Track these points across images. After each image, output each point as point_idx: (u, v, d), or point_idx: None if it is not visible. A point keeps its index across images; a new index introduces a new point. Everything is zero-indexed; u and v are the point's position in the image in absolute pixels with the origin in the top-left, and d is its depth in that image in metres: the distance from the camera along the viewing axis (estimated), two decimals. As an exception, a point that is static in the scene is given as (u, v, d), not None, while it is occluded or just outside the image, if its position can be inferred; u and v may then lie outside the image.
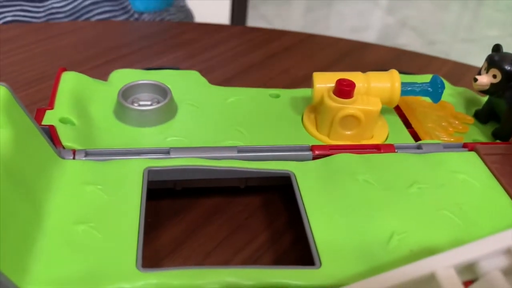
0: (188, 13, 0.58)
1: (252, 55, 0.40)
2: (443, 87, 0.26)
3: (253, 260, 0.21)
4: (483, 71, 0.27)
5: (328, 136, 0.25)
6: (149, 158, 0.22)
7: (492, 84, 0.26)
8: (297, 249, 0.22)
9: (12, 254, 0.16)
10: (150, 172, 0.21)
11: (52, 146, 0.21)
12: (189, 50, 0.40)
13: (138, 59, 0.38)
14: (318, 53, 0.41)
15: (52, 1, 0.45)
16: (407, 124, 0.28)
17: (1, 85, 0.19)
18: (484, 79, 0.26)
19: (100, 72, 0.34)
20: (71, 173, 0.20)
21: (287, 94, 0.29)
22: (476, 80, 0.27)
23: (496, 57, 0.26)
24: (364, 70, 0.27)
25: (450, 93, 0.31)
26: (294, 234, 0.23)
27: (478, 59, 0.31)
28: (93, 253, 0.17)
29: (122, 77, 0.29)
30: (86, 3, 0.47)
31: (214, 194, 0.25)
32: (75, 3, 0.46)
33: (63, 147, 0.22)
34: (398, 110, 0.29)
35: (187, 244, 0.22)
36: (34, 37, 0.39)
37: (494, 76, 0.26)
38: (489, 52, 0.27)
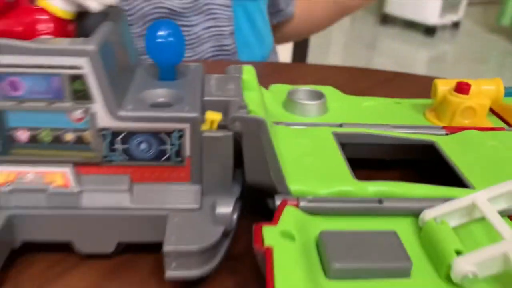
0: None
1: (355, 86, 0.49)
2: (535, 90, 0.35)
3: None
4: None
5: (450, 125, 0.34)
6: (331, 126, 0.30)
7: None
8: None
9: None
10: (336, 134, 0.30)
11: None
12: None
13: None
14: (407, 87, 0.50)
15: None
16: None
17: (250, 66, 0.28)
18: None
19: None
20: (282, 133, 0.29)
21: (406, 102, 0.38)
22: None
23: None
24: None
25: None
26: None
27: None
28: (323, 171, 0.25)
29: (277, 88, 0.38)
30: (206, 56, 0.57)
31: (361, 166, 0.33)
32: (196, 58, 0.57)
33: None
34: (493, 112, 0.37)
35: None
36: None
37: None
38: None
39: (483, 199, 0.23)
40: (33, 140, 0.22)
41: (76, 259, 0.24)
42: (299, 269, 0.20)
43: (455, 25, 3.00)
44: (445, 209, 0.23)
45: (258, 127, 0.22)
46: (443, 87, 0.34)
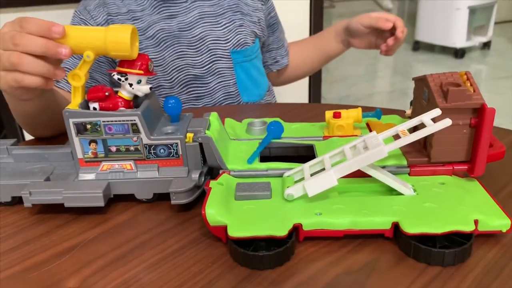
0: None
1: (301, 117, 0.77)
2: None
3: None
4: None
5: (330, 135, 0.61)
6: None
7: None
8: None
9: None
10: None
11: (228, 136, 0.59)
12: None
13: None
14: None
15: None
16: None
17: (215, 112, 0.58)
18: None
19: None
20: (233, 144, 0.59)
21: (317, 124, 0.66)
22: None
23: None
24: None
25: None
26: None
27: None
28: (245, 158, 0.55)
29: (245, 121, 0.68)
30: (220, 99, 0.89)
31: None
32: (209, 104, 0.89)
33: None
34: (368, 126, 0.64)
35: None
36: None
37: None
38: None
39: (325, 157, 0.51)
40: (117, 151, 0.53)
41: (134, 203, 0.55)
42: (221, 196, 0.49)
43: (486, 45, 3.14)
44: (292, 171, 0.52)
45: (208, 140, 0.52)
46: (328, 115, 0.63)
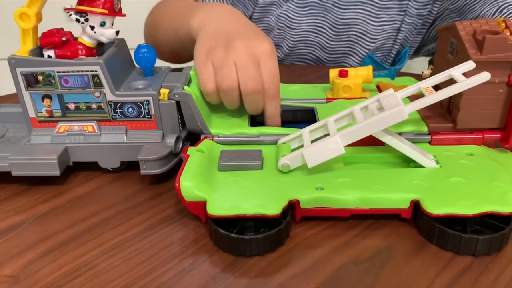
0: None
1: (303, 79, 0.67)
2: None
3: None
4: None
5: (335, 98, 0.52)
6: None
7: None
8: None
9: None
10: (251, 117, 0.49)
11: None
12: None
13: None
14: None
15: None
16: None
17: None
18: None
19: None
20: (218, 106, 0.49)
21: (319, 86, 0.56)
22: None
23: None
24: None
25: None
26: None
27: None
28: (232, 122, 0.45)
29: None
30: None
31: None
32: None
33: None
34: (378, 87, 0.54)
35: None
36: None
37: None
38: None
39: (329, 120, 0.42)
40: (77, 109, 0.44)
41: (98, 172, 0.46)
42: (201, 166, 0.40)
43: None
44: (289, 137, 0.42)
45: (187, 97, 0.43)
46: (333, 73, 0.53)
